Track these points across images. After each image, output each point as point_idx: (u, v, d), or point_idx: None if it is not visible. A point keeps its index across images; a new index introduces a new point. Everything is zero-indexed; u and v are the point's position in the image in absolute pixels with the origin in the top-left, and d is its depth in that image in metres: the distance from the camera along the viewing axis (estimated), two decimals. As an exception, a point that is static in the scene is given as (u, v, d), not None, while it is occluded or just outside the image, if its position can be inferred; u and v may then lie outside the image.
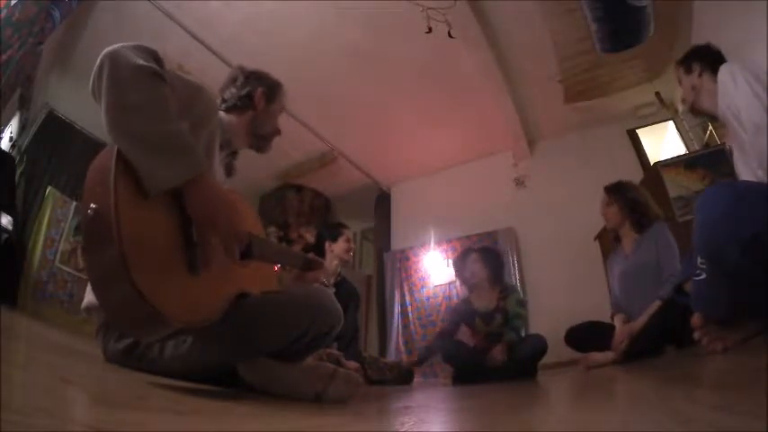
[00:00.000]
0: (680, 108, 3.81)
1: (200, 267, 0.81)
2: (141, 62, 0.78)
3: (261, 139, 1.27)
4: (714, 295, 1.11)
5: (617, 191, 2.23)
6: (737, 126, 1.27)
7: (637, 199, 2.18)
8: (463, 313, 2.83)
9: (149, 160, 0.75)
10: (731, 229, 0.97)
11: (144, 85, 0.77)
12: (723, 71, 1.34)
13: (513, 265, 4.22)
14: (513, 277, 4.15)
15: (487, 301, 2.75)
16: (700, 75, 1.44)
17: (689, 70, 1.47)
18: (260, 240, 1.06)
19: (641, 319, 1.94)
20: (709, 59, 1.44)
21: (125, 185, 0.72)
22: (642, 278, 2.05)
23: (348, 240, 2.62)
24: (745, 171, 1.27)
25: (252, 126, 1.24)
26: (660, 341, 1.90)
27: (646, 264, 2.04)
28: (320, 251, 2.53)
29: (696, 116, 1.56)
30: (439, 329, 3.05)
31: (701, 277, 1.11)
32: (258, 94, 1.24)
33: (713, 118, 1.46)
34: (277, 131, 1.31)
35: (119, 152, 0.74)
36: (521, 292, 2.96)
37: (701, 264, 1.10)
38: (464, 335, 2.83)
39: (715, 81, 1.37)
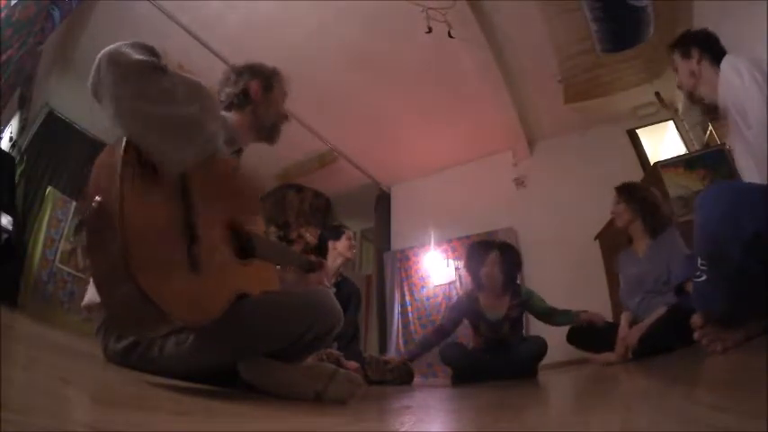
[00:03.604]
0: (680, 108, 3.81)
1: (201, 265, 0.81)
2: (141, 57, 0.78)
3: (267, 130, 1.26)
4: (715, 295, 1.10)
5: (626, 191, 2.24)
6: (741, 123, 1.23)
7: (647, 199, 2.17)
8: (467, 311, 2.64)
9: (165, 143, 0.76)
10: (732, 228, 0.97)
11: (149, 76, 0.78)
12: (728, 65, 1.28)
13: (513, 265, 4.21)
14: (513, 278, 4.14)
15: (497, 307, 2.55)
16: (698, 61, 1.38)
17: (687, 55, 1.41)
18: (262, 239, 1.06)
19: (646, 322, 1.94)
20: (707, 46, 1.39)
21: (130, 180, 0.72)
22: (650, 284, 2.06)
23: (350, 238, 2.66)
24: (748, 170, 1.24)
25: (254, 119, 1.23)
26: (664, 344, 1.90)
27: (656, 271, 2.05)
28: (323, 251, 2.54)
29: (694, 104, 1.49)
30: (436, 326, 2.86)
31: (702, 279, 1.10)
32: (254, 87, 1.23)
33: (710, 109, 1.41)
34: (284, 117, 1.29)
35: (126, 146, 0.73)
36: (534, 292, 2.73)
37: (702, 265, 1.09)
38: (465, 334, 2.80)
39: (715, 69, 1.33)
